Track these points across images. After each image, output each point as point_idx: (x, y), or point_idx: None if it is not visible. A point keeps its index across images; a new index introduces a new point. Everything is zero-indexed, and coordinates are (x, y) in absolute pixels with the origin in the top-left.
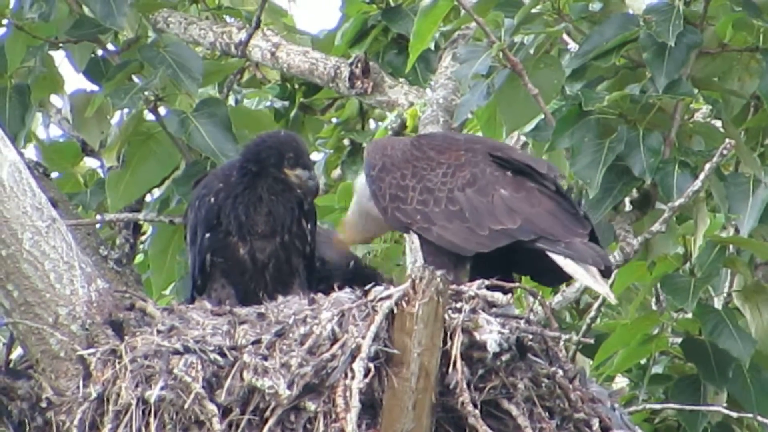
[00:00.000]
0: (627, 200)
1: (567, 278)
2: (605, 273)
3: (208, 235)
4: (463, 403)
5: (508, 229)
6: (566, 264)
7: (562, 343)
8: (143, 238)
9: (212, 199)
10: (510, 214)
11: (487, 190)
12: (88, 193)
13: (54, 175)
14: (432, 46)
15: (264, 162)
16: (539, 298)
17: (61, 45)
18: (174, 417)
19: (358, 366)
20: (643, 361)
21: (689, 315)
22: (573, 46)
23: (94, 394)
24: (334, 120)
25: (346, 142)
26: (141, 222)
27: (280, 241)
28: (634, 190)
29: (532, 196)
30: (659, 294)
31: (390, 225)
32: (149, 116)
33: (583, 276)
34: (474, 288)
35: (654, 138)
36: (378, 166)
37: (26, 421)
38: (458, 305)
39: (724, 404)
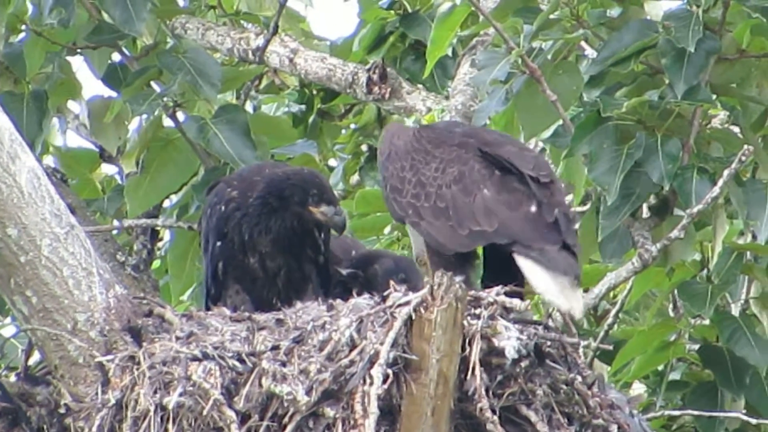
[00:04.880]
0: (645, 206)
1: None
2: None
3: (219, 243)
4: (481, 410)
5: (484, 231)
6: (533, 273)
7: (580, 349)
8: (160, 243)
9: (222, 208)
10: (488, 216)
11: (471, 189)
12: (106, 199)
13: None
14: (449, 53)
15: (288, 199)
16: None
17: (79, 51)
18: (192, 423)
19: (377, 372)
20: (660, 368)
21: (706, 322)
22: (591, 52)
23: (113, 401)
24: (352, 126)
25: (364, 147)
26: (158, 228)
27: (290, 254)
28: (653, 197)
29: (513, 198)
30: (677, 300)
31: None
32: (168, 122)
33: (546, 289)
34: (492, 294)
35: (672, 144)
36: (385, 154)
37: (45, 427)
38: (477, 311)
39: (743, 411)
